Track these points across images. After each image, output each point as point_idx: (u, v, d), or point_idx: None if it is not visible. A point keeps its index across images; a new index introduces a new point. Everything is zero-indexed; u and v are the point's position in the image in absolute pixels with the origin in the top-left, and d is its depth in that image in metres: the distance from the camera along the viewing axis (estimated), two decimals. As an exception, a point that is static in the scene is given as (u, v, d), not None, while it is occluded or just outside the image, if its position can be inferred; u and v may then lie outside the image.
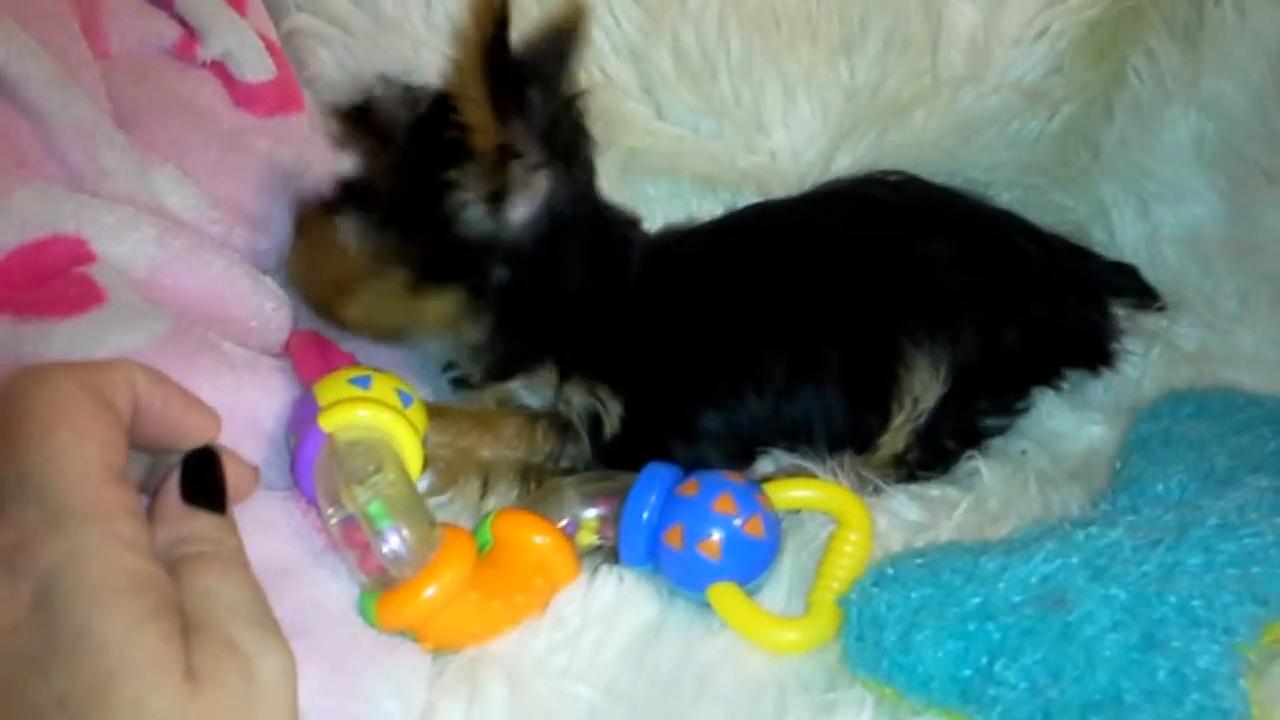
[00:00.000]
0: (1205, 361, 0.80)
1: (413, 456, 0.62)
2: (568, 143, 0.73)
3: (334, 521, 0.58)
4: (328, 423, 0.60)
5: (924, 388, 0.78)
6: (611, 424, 0.76)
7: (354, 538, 0.58)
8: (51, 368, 0.44)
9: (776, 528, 0.64)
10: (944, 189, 0.93)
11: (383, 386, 0.64)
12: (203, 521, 0.46)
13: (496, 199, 0.71)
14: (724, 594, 0.62)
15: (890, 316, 0.79)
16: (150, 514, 0.46)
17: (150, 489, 0.48)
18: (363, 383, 0.64)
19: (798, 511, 0.70)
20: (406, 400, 0.65)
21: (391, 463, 0.60)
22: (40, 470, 0.40)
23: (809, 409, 0.78)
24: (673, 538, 0.63)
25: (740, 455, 0.76)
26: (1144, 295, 0.89)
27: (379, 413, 0.62)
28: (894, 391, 0.78)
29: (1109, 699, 0.50)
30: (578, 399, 0.76)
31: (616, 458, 0.75)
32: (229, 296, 0.71)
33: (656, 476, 0.66)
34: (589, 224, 0.76)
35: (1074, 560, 0.55)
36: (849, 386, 0.79)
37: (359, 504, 0.57)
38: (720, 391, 0.78)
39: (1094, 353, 0.85)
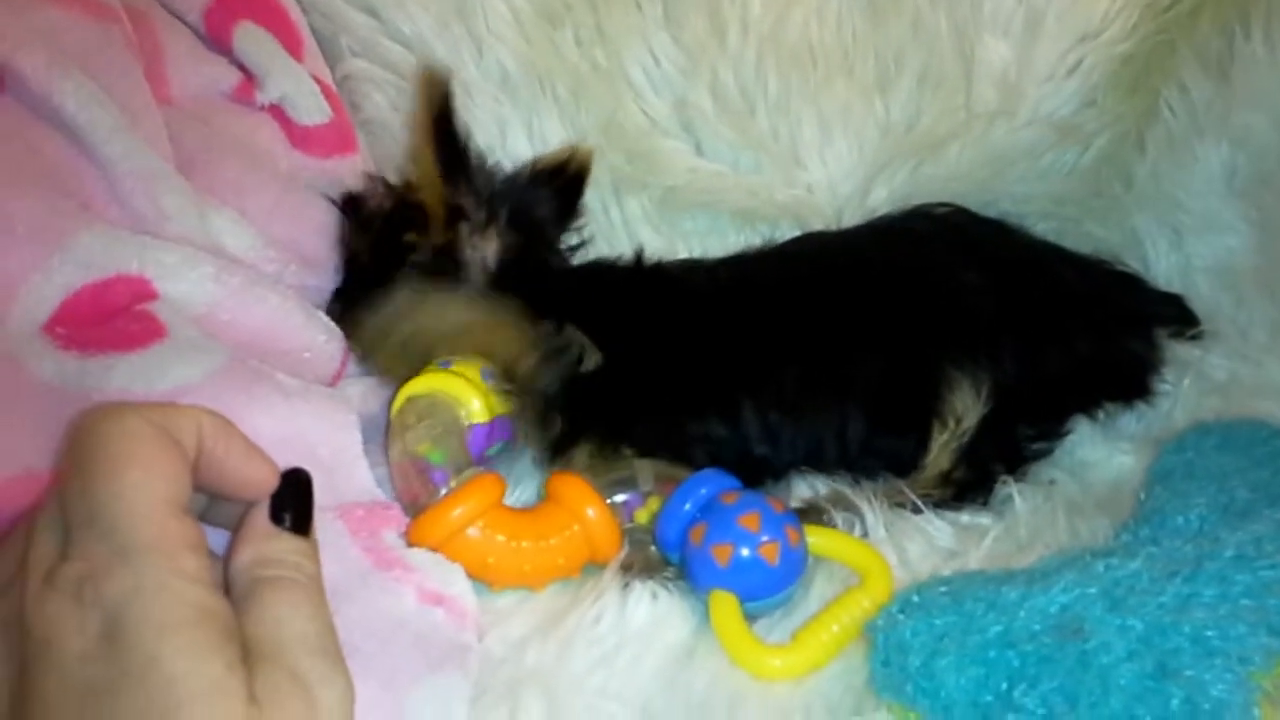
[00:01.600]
0: (1235, 392, 0.80)
1: (478, 412, 0.75)
2: (516, 205, 0.82)
3: (392, 457, 0.72)
4: (405, 390, 0.75)
5: (965, 407, 0.79)
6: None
7: (402, 470, 0.71)
8: (123, 407, 0.46)
9: (795, 564, 0.66)
10: (989, 220, 0.94)
11: (464, 365, 0.78)
12: (285, 543, 0.48)
13: (446, 254, 0.80)
14: (721, 601, 0.64)
15: (927, 339, 0.81)
16: (237, 534, 0.48)
17: (210, 523, 0.50)
18: (445, 364, 0.77)
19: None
20: (487, 376, 0.78)
21: (443, 417, 0.73)
22: (110, 505, 0.42)
23: (822, 428, 0.81)
24: (696, 534, 0.66)
25: (741, 466, 0.77)
26: (1186, 323, 0.89)
27: (443, 379, 0.75)
28: (936, 408, 0.80)
29: (1123, 726, 0.51)
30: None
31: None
32: (283, 330, 0.75)
33: (709, 479, 0.69)
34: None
35: (1092, 590, 0.56)
36: (880, 407, 0.81)
37: (411, 446, 0.71)
38: (718, 400, 0.80)
39: (1133, 384, 0.85)
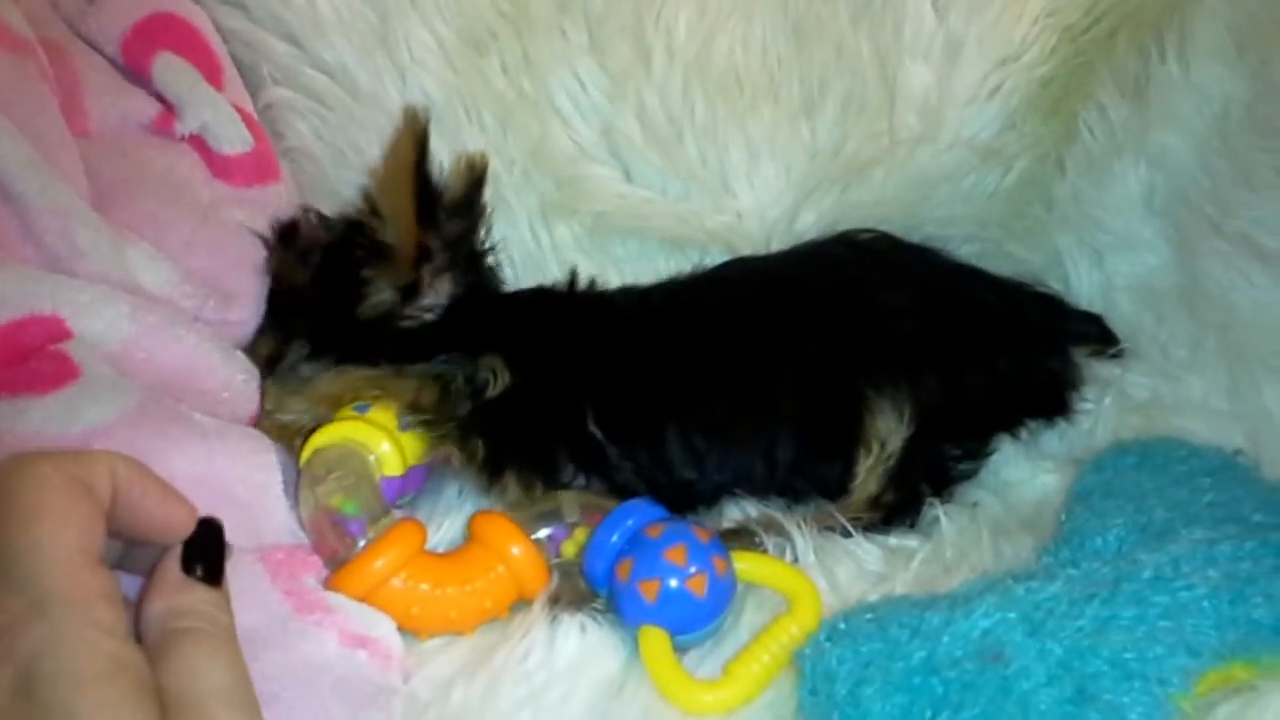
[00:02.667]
0: (1156, 410, 0.81)
1: (391, 462, 0.74)
2: (469, 253, 0.82)
3: (305, 514, 0.69)
4: (313, 440, 0.73)
5: (889, 430, 0.80)
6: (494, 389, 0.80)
7: (315, 526, 0.69)
8: (34, 456, 0.45)
9: (724, 594, 0.66)
10: (911, 245, 0.96)
11: (380, 412, 0.77)
12: (198, 595, 0.47)
13: (409, 294, 0.80)
14: (651, 638, 0.64)
15: (850, 362, 0.82)
16: (148, 583, 0.47)
17: (127, 569, 0.49)
18: (362, 409, 0.77)
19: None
20: (405, 425, 0.77)
21: (354, 467, 0.71)
22: (23, 557, 0.42)
23: (749, 453, 0.81)
24: (622, 570, 0.66)
25: (669, 490, 0.78)
26: (1106, 342, 0.91)
27: (351, 427, 0.74)
28: (859, 434, 0.80)
29: (1043, 752, 0.51)
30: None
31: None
32: (201, 369, 0.74)
33: (637, 509, 0.70)
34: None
35: (1012, 615, 0.57)
36: (806, 432, 0.81)
37: (323, 499, 0.69)
38: (642, 424, 0.81)
39: (1053, 402, 0.87)
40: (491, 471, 0.78)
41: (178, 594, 0.47)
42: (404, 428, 0.77)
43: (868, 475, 0.80)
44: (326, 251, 0.84)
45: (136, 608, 0.47)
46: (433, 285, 0.81)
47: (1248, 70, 0.83)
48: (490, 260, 0.86)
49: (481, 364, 0.80)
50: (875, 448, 0.80)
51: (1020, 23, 0.97)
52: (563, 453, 0.79)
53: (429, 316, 0.81)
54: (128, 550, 0.50)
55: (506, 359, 0.80)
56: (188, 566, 0.47)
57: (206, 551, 0.48)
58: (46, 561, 0.42)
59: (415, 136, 0.77)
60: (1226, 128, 0.83)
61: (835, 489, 0.80)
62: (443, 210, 0.79)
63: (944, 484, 0.81)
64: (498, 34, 0.97)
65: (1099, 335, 0.91)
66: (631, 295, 0.92)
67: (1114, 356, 0.89)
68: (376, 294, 0.80)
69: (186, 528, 0.49)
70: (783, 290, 0.88)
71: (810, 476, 0.81)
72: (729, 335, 0.84)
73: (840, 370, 0.82)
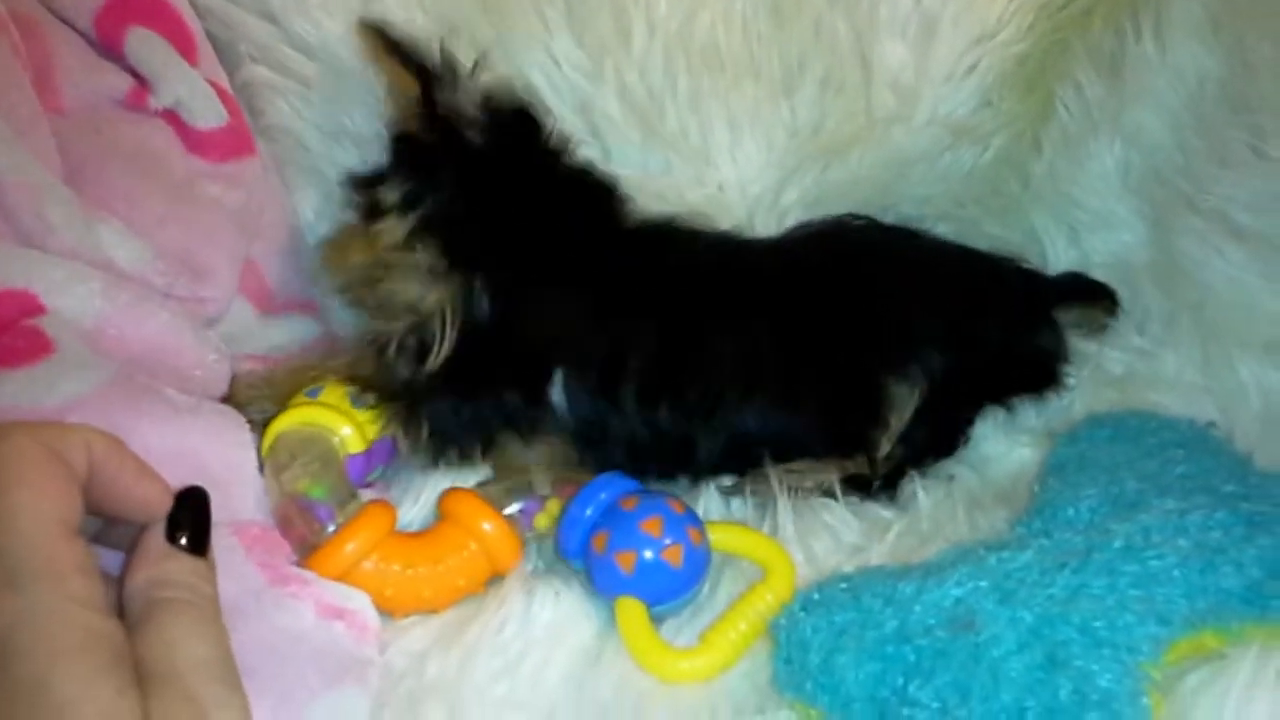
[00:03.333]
0: (1131, 384, 0.82)
1: (353, 441, 0.73)
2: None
3: (270, 502, 0.68)
4: (273, 427, 0.72)
5: (903, 404, 0.81)
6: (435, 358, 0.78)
7: (283, 513, 0.67)
8: (10, 426, 0.45)
9: (700, 564, 0.67)
10: (902, 229, 0.96)
11: (332, 393, 0.76)
12: (182, 564, 0.47)
13: None
14: (628, 608, 0.64)
15: (861, 347, 0.83)
16: (132, 553, 0.47)
17: (105, 544, 0.49)
18: (313, 393, 0.76)
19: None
20: (357, 402, 0.76)
21: (318, 451, 0.71)
22: None
23: (756, 428, 0.81)
24: (598, 541, 0.66)
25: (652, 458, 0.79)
26: (1096, 297, 0.91)
27: (311, 412, 0.73)
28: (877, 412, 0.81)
29: (1013, 718, 0.52)
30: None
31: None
32: (173, 347, 0.74)
33: (610, 482, 0.70)
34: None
35: (984, 584, 0.57)
36: (825, 422, 0.82)
37: (289, 485, 0.68)
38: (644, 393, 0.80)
39: (1044, 376, 0.86)
40: (434, 454, 0.78)
41: (161, 562, 0.46)
42: (357, 405, 0.76)
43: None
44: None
45: (120, 580, 0.46)
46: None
47: (1223, 48, 0.83)
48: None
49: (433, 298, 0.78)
50: (892, 421, 0.81)
51: (996, 1, 0.97)
52: (508, 431, 0.79)
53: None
54: (105, 526, 0.50)
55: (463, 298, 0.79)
56: (172, 535, 0.47)
57: (192, 520, 0.48)
58: (21, 532, 0.42)
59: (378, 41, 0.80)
60: (1201, 106, 0.84)
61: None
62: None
63: (951, 448, 0.82)
64: (469, 16, 0.96)
65: (1087, 290, 0.91)
66: (638, 245, 0.88)
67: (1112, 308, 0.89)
68: None
69: (163, 506, 0.48)
70: (791, 269, 0.88)
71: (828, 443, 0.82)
72: (739, 307, 0.84)
73: (855, 354, 0.82)
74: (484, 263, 0.79)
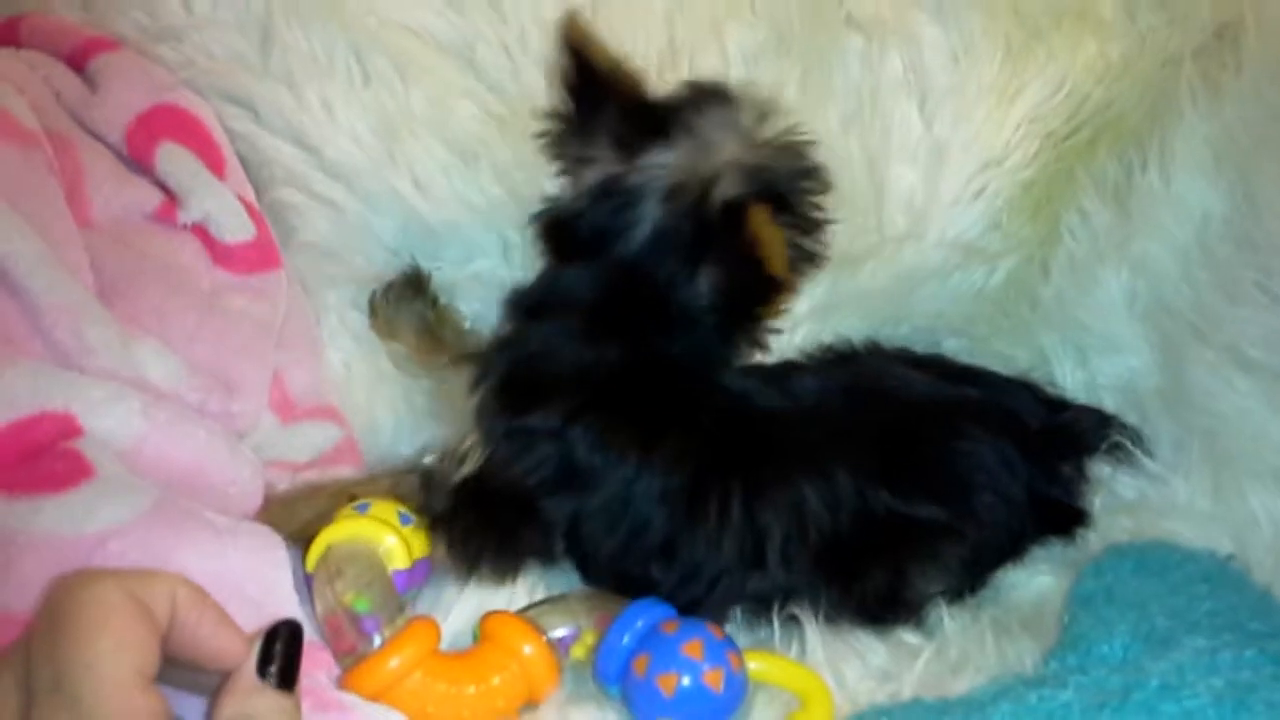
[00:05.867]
0: (1144, 511, 0.83)
1: (398, 556, 0.75)
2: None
3: (320, 611, 0.69)
4: (323, 537, 0.73)
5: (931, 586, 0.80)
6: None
7: (333, 624, 0.69)
8: (97, 574, 0.45)
9: (739, 690, 0.67)
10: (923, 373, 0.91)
11: (381, 509, 0.77)
12: (268, 700, 0.47)
13: None
14: None
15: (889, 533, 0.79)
16: (224, 684, 0.47)
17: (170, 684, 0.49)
18: (362, 508, 0.77)
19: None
20: (406, 520, 0.77)
21: (368, 564, 0.72)
22: (78, 675, 0.41)
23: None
24: (639, 665, 0.66)
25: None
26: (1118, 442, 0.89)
27: (360, 525, 0.75)
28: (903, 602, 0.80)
29: None
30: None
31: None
32: (210, 464, 0.74)
33: (649, 608, 0.70)
34: None
35: (1028, 723, 0.58)
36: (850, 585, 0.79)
37: (340, 597, 0.69)
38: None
39: (1069, 521, 0.85)
40: (468, 562, 0.78)
41: (249, 698, 0.46)
42: (405, 523, 0.77)
43: None
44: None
45: (209, 710, 0.46)
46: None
47: (1226, 184, 0.86)
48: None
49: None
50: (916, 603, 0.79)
51: (1003, 129, 1.00)
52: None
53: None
54: (170, 667, 0.50)
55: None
56: (262, 669, 0.47)
57: (283, 654, 0.48)
58: (100, 681, 0.41)
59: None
60: (1207, 239, 0.87)
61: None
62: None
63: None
64: (489, 142, 0.99)
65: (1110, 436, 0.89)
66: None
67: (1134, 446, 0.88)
68: None
69: (239, 658, 0.48)
70: (811, 428, 0.83)
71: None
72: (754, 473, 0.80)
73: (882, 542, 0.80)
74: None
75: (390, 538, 0.75)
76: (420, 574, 0.78)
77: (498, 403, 0.79)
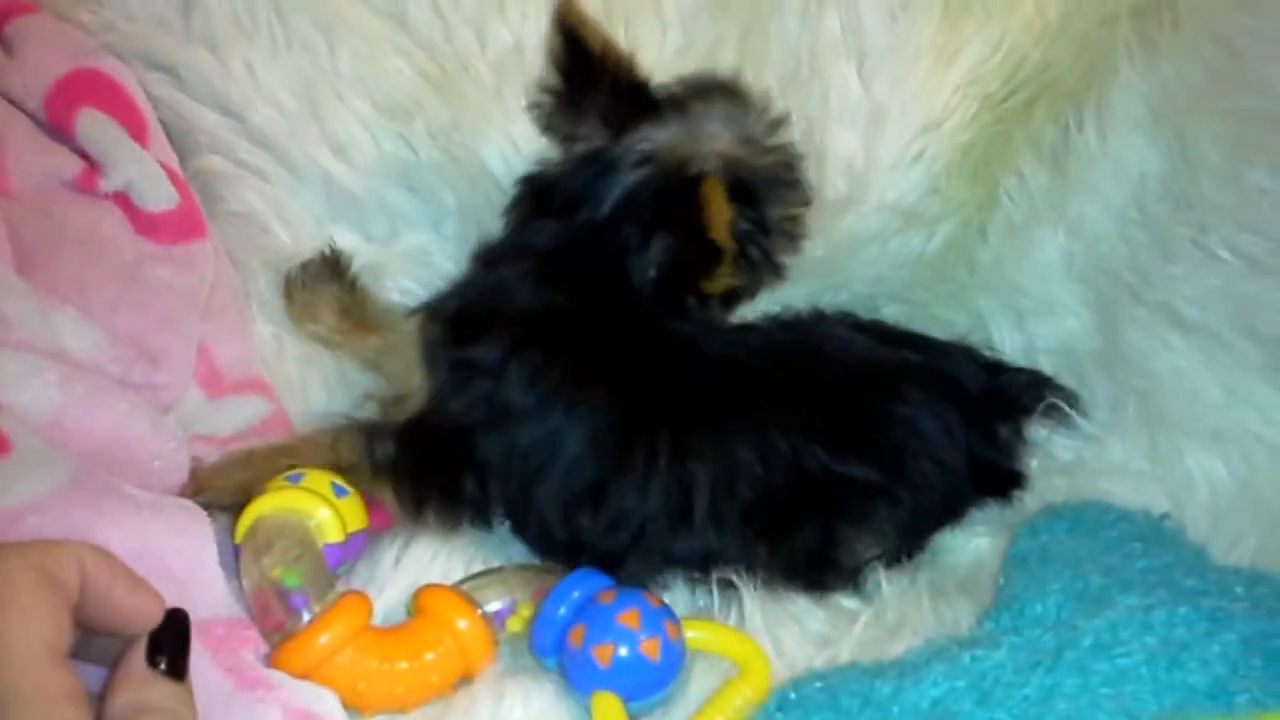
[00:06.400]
0: (1080, 472, 0.83)
1: (331, 529, 0.72)
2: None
3: (248, 586, 0.67)
4: (252, 509, 0.71)
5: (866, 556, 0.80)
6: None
7: (260, 600, 0.67)
8: (2, 549, 0.44)
9: (676, 659, 0.66)
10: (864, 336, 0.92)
11: (315, 479, 0.75)
12: (162, 689, 0.46)
13: None
14: (605, 703, 0.63)
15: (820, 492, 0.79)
16: (112, 676, 0.46)
17: (82, 658, 0.48)
18: (295, 478, 0.74)
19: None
20: (340, 491, 0.75)
21: (298, 538, 0.70)
22: None
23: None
24: (575, 636, 0.65)
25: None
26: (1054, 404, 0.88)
27: (291, 496, 0.72)
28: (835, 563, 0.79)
29: (996, 821, 0.52)
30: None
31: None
32: (131, 437, 0.72)
33: (585, 578, 0.69)
34: None
35: (961, 684, 0.58)
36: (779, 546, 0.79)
37: (268, 572, 0.67)
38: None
39: (1006, 484, 0.85)
40: (415, 507, 0.78)
41: (142, 688, 0.46)
42: (339, 494, 0.75)
43: None
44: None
45: (99, 701, 0.45)
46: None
47: (1163, 143, 0.86)
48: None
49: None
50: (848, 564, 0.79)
51: (941, 91, 0.99)
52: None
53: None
54: (83, 638, 0.48)
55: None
56: (152, 660, 0.46)
57: (172, 645, 0.47)
58: (10, 658, 0.41)
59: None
60: (1144, 199, 0.87)
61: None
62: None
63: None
64: (422, 102, 0.97)
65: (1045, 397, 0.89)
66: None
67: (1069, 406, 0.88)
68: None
69: (154, 618, 0.48)
70: (748, 387, 0.83)
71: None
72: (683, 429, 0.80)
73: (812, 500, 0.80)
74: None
75: (323, 510, 0.73)
76: (354, 548, 0.76)
77: (444, 334, 0.81)
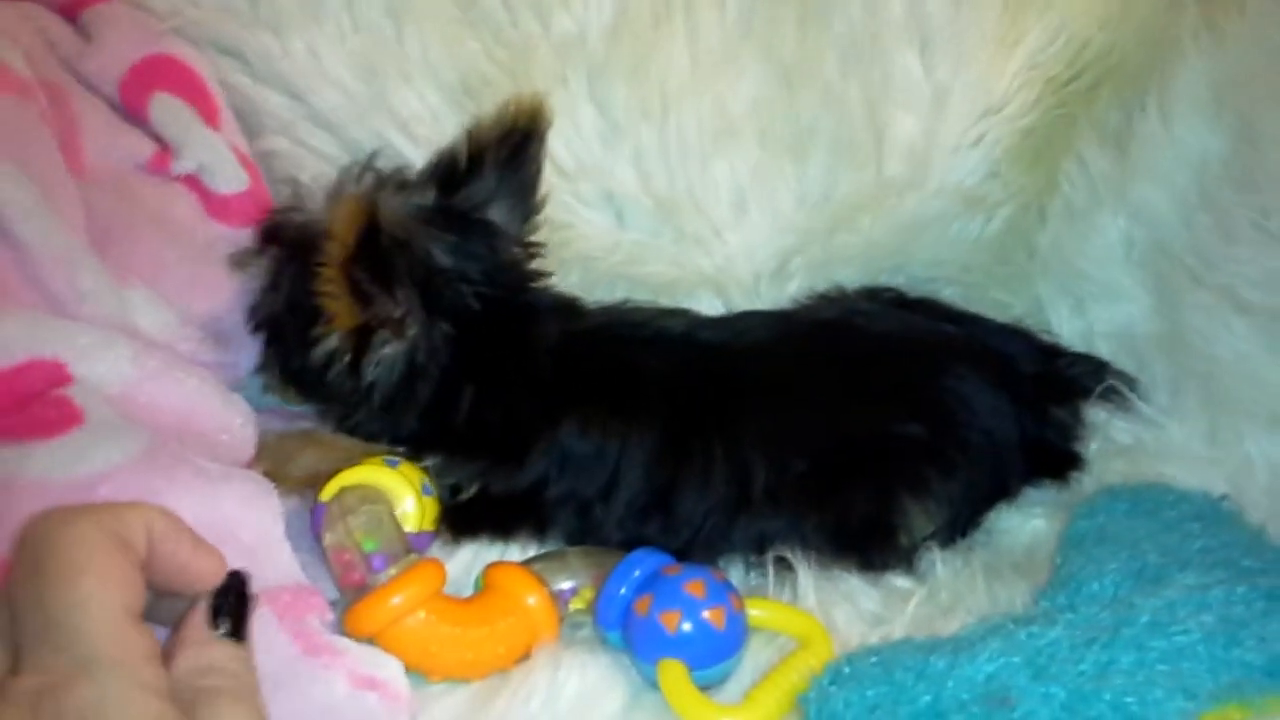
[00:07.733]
0: (1139, 455, 0.83)
1: (410, 519, 0.75)
2: (441, 295, 0.79)
3: (330, 543, 0.69)
4: (347, 475, 0.74)
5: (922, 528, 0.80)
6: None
7: (341, 557, 0.69)
8: (72, 512, 0.45)
9: (739, 630, 0.67)
10: (912, 315, 0.93)
11: (409, 470, 0.78)
12: (224, 650, 0.47)
13: (355, 358, 0.79)
14: (670, 670, 0.64)
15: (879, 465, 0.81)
16: (175, 637, 0.47)
17: (150, 620, 0.49)
18: (393, 463, 0.78)
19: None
20: (427, 490, 0.78)
21: (380, 509, 0.71)
22: (66, 616, 0.41)
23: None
24: (641, 605, 0.66)
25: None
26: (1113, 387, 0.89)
27: (378, 473, 0.76)
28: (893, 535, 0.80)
29: (1050, 794, 0.52)
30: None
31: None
32: (201, 412, 0.74)
33: (642, 559, 0.70)
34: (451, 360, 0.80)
35: (1016, 659, 0.58)
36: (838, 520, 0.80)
37: (351, 532, 0.69)
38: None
39: (1063, 464, 0.86)
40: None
41: (204, 649, 0.46)
42: (426, 492, 0.78)
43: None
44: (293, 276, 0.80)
45: (162, 659, 0.46)
46: (380, 350, 0.79)
47: (1226, 126, 0.85)
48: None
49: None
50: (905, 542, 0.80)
51: (1004, 75, 1.00)
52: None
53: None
54: (152, 600, 0.50)
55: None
56: (214, 622, 0.47)
57: (232, 606, 0.48)
58: (91, 620, 0.41)
59: (357, 219, 0.74)
60: (1206, 182, 0.86)
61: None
62: (398, 272, 0.75)
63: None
64: (493, 82, 0.98)
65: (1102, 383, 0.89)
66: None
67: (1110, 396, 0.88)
68: (320, 350, 0.79)
69: (217, 578, 0.48)
70: (798, 367, 0.86)
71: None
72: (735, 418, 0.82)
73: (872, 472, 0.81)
74: None
75: (409, 499, 0.76)
76: (423, 545, 0.78)
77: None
